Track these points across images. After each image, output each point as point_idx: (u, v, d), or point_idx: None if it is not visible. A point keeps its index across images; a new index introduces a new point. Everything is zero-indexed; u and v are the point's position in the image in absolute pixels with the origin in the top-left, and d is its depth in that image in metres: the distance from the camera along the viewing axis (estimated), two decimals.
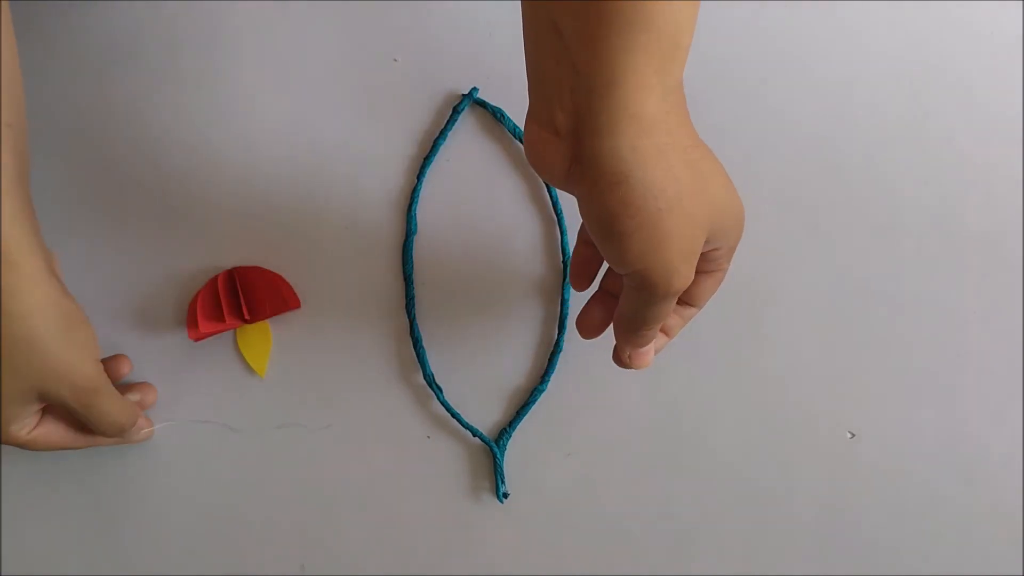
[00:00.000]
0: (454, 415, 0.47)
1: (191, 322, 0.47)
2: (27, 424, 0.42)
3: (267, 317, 0.48)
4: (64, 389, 0.40)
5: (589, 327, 0.41)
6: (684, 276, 0.34)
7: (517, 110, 0.50)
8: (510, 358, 0.48)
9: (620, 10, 0.30)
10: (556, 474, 0.48)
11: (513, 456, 0.48)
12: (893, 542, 0.48)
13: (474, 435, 0.47)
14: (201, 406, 0.48)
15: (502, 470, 0.47)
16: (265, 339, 0.48)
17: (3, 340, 0.38)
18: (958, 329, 0.48)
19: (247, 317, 0.47)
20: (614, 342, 0.39)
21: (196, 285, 0.48)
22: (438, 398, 0.47)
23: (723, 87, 0.49)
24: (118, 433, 0.45)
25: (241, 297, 0.47)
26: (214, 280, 0.48)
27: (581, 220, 0.35)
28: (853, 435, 0.48)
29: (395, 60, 0.50)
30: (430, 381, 0.47)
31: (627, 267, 0.33)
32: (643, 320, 0.36)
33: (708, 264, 0.37)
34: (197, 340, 0.47)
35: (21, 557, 0.48)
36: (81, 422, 0.43)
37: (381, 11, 0.50)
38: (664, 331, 0.41)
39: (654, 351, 0.40)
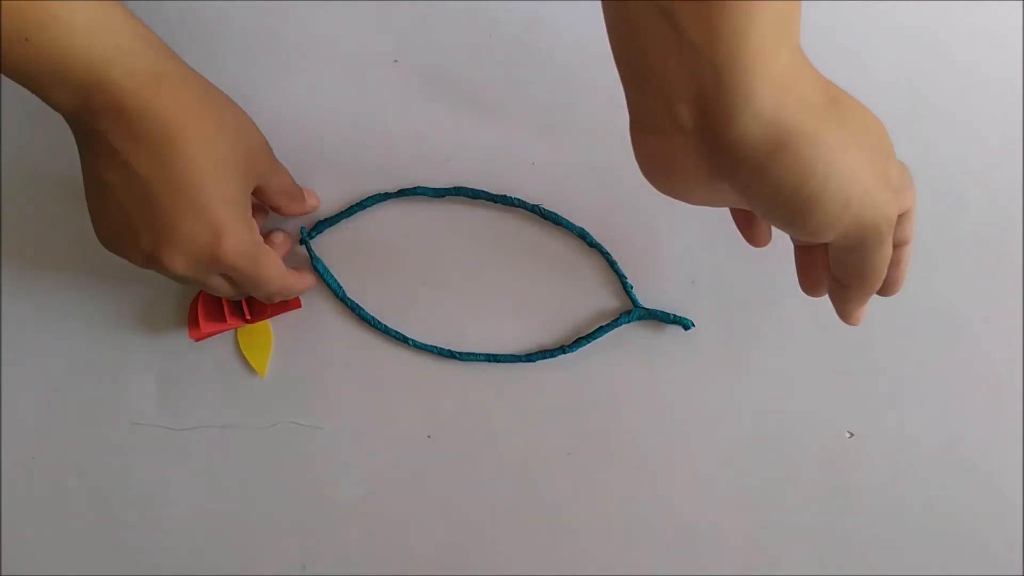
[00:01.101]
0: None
1: (192, 322, 0.47)
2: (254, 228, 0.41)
3: (268, 317, 0.48)
4: (267, 159, 0.42)
5: (816, 286, 0.39)
6: (891, 204, 0.31)
7: (517, 109, 0.50)
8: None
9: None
10: (556, 474, 0.48)
11: (513, 456, 0.48)
12: (892, 542, 0.48)
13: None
14: (202, 406, 0.48)
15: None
16: (266, 339, 0.48)
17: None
18: (958, 329, 0.48)
19: (248, 317, 0.47)
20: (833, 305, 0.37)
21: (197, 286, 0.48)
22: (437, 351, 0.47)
23: None
24: (292, 195, 0.45)
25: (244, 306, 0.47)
26: None
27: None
28: (852, 435, 0.48)
29: (395, 60, 0.50)
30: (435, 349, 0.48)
31: (834, 228, 0.31)
32: (872, 269, 0.33)
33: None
34: (198, 340, 0.47)
35: (21, 557, 0.48)
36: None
37: (381, 11, 0.50)
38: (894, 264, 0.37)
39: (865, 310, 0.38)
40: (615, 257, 0.48)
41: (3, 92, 0.49)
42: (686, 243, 0.48)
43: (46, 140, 0.49)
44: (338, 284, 0.48)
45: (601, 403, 0.48)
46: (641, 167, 0.33)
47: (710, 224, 0.49)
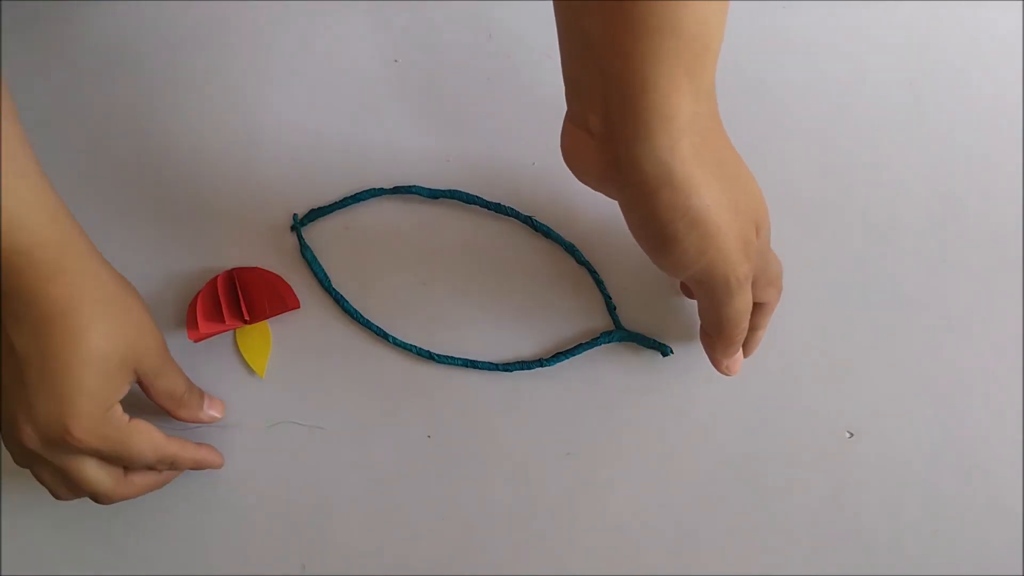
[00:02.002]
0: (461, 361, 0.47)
1: (191, 323, 0.47)
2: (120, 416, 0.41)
3: (267, 318, 0.48)
4: (155, 357, 0.41)
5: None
6: (744, 266, 0.34)
7: (516, 109, 0.50)
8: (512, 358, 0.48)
9: (647, 14, 0.29)
10: (556, 474, 0.48)
11: (512, 456, 0.48)
12: (893, 542, 0.48)
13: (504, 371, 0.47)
14: None
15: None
16: (265, 339, 0.48)
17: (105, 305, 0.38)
18: (958, 329, 0.48)
19: (247, 318, 0.47)
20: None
21: (196, 286, 0.48)
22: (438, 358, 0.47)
23: (723, 87, 0.49)
24: (179, 401, 0.44)
25: (240, 298, 0.47)
26: (214, 281, 0.48)
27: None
28: (852, 435, 0.48)
29: (395, 60, 0.50)
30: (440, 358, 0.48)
31: (688, 269, 0.33)
32: (727, 320, 0.36)
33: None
34: (197, 341, 0.47)
35: (21, 557, 0.48)
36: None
37: (381, 11, 0.50)
38: (744, 348, 0.42)
39: (739, 361, 0.42)
40: (606, 267, 0.48)
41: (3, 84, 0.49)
42: None
43: (46, 140, 0.49)
44: (325, 274, 0.48)
45: (601, 403, 0.48)
46: (562, 150, 0.36)
47: None
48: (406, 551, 0.48)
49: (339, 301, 0.48)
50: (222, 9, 0.50)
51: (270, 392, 0.48)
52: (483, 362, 0.48)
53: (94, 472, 0.41)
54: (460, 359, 0.48)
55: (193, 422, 0.46)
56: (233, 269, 0.48)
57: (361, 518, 0.48)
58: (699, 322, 0.48)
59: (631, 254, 0.48)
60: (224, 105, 0.50)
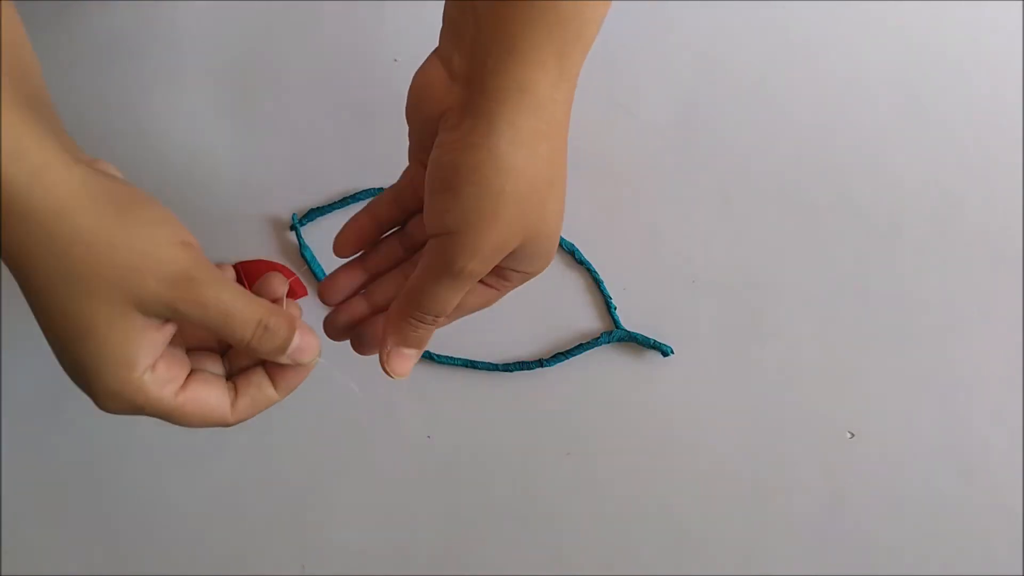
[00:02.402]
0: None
1: None
2: (168, 379, 0.32)
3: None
4: (151, 283, 0.30)
5: (334, 292, 0.38)
6: (481, 264, 0.32)
7: None
8: (512, 357, 0.48)
9: None
10: (556, 474, 0.48)
11: (512, 457, 0.48)
12: (893, 542, 0.48)
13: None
14: None
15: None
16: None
17: (50, 251, 0.29)
18: (958, 329, 0.48)
19: None
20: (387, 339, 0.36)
21: None
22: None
23: (723, 87, 0.49)
24: (260, 339, 0.32)
25: (247, 289, 0.47)
26: None
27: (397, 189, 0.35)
28: (853, 435, 0.48)
29: (395, 60, 0.50)
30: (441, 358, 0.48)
31: (440, 226, 0.32)
32: (425, 297, 0.34)
33: (494, 278, 0.35)
34: None
35: (21, 557, 0.48)
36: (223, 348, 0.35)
37: (381, 11, 0.50)
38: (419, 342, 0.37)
39: (412, 362, 0.37)
40: (606, 267, 0.48)
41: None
42: (686, 244, 0.48)
43: None
44: (324, 273, 0.48)
45: (601, 403, 0.48)
46: (413, 80, 0.35)
47: (710, 224, 0.49)
48: (406, 551, 0.48)
49: None
50: (222, 9, 0.50)
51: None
52: (483, 362, 0.48)
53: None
54: (460, 359, 0.48)
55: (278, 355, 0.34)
56: (237, 263, 0.48)
57: (361, 518, 0.48)
58: (699, 322, 0.48)
59: (631, 254, 0.48)
60: (224, 105, 0.50)
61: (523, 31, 0.30)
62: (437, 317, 0.35)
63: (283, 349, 0.33)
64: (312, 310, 0.49)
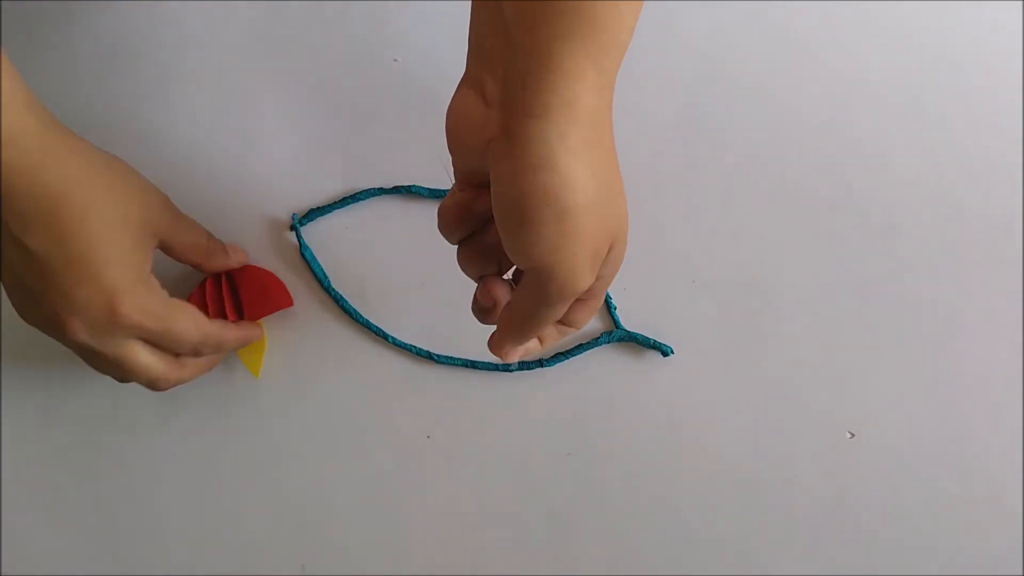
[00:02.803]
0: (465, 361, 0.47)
1: None
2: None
3: (259, 317, 0.48)
4: (162, 205, 0.41)
5: (487, 309, 0.38)
6: (587, 279, 0.33)
7: None
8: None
9: (557, 3, 0.30)
10: (556, 474, 0.48)
11: (512, 456, 0.48)
12: (893, 542, 0.48)
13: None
14: (202, 406, 0.48)
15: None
16: (259, 339, 0.48)
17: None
18: (958, 329, 0.48)
19: (231, 317, 0.47)
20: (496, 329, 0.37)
21: (189, 285, 0.48)
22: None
23: (723, 87, 0.49)
24: (205, 252, 0.45)
25: (226, 297, 0.47)
26: (204, 281, 0.47)
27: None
28: (853, 435, 0.48)
29: (395, 60, 0.50)
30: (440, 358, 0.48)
31: (533, 260, 0.32)
32: (537, 319, 0.34)
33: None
34: None
35: (21, 557, 0.48)
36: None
37: (381, 11, 0.50)
38: (540, 339, 0.39)
39: (525, 352, 0.39)
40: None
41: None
42: (686, 244, 0.48)
43: None
44: (324, 273, 0.48)
45: (601, 403, 0.48)
46: (447, 113, 0.34)
47: (710, 224, 0.49)
48: (406, 551, 0.48)
49: (338, 301, 0.48)
50: (222, 9, 0.50)
51: (270, 391, 0.48)
52: (483, 362, 0.48)
53: (145, 357, 0.41)
54: (460, 359, 0.48)
55: (222, 269, 0.46)
56: (225, 271, 0.48)
57: (361, 518, 0.48)
58: (699, 322, 0.48)
59: (631, 254, 0.48)
60: (224, 105, 0.50)
61: (560, 45, 0.30)
62: (549, 325, 0.36)
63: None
64: (302, 319, 0.49)
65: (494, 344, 0.37)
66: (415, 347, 0.48)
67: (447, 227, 0.36)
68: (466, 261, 0.37)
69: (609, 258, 0.34)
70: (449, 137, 0.34)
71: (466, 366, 0.48)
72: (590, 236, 0.32)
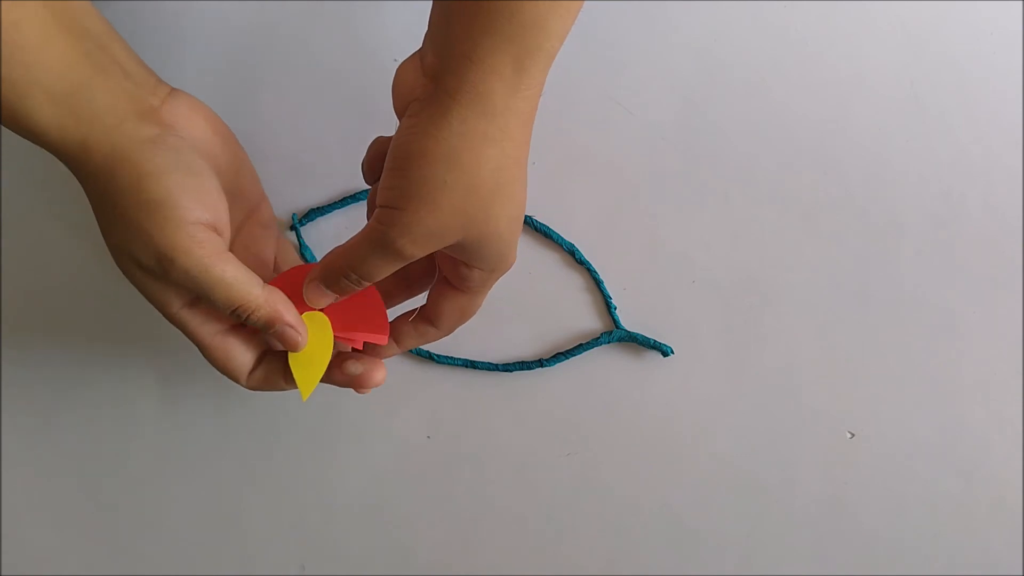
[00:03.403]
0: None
1: None
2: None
3: (344, 335, 0.39)
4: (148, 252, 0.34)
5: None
6: (413, 244, 0.34)
7: None
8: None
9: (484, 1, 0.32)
10: (556, 474, 0.48)
11: (512, 457, 0.48)
12: (893, 542, 0.48)
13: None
14: (202, 406, 0.48)
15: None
16: (323, 355, 0.39)
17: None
18: (958, 329, 0.48)
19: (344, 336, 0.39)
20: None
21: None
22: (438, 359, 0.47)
23: (723, 87, 0.49)
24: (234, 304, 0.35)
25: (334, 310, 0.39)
26: (300, 268, 0.40)
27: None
28: (853, 435, 0.48)
29: (395, 60, 0.50)
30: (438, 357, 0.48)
31: (385, 200, 0.34)
32: (356, 258, 0.36)
33: (458, 278, 0.38)
34: None
35: (21, 557, 0.48)
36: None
37: (381, 11, 0.50)
38: (398, 342, 0.41)
39: (379, 356, 0.40)
40: (606, 267, 0.48)
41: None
42: (686, 244, 0.48)
43: None
44: None
45: (601, 403, 0.48)
46: (398, 67, 0.37)
47: (710, 224, 0.49)
48: (406, 551, 0.48)
49: None
50: (222, 9, 0.50)
51: (269, 392, 0.48)
52: (483, 362, 0.48)
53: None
54: (460, 359, 0.48)
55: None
56: (278, 277, 0.40)
57: (361, 518, 0.48)
58: (699, 322, 0.48)
59: (631, 254, 0.48)
60: (223, 105, 0.50)
61: (482, 37, 0.32)
62: (361, 280, 0.37)
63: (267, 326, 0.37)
64: None
65: (307, 282, 0.38)
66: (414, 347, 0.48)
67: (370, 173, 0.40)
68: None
69: (465, 250, 0.36)
70: (392, 94, 0.37)
71: (466, 366, 0.48)
72: (438, 212, 0.33)
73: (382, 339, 0.39)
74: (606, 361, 0.48)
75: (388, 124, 0.50)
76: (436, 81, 0.34)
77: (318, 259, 0.49)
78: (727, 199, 0.49)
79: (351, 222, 0.49)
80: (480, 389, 0.48)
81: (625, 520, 0.48)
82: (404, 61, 0.36)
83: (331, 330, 0.39)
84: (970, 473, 0.48)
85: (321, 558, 0.48)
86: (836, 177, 0.49)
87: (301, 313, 0.38)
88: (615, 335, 0.48)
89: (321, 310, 0.39)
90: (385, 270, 0.36)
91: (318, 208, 0.49)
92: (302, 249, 0.48)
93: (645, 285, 0.48)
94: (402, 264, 0.36)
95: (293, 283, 0.39)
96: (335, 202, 0.49)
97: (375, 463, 0.48)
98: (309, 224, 0.49)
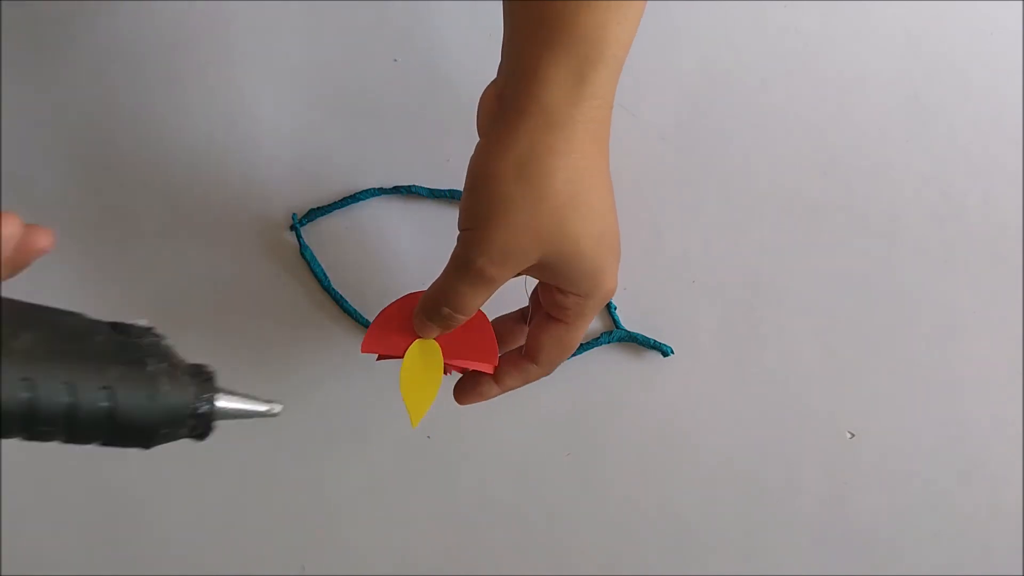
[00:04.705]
0: None
1: (376, 333, 0.40)
2: None
3: (453, 361, 0.40)
4: None
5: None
6: (491, 263, 0.34)
7: None
8: None
9: (543, 9, 0.32)
10: (556, 474, 0.48)
11: (511, 456, 0.48)
12: (893, 542, 0.48)
13: None
14: None
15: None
16: (433, 380, 0.39)
17: None
18: (958, 329, 0.48)
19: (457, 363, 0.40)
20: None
21: (195, 285, 0.48)
22: None
23: (723, 87, 0.49)
24: None
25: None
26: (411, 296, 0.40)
27: None
28: (853, 435, 0.48)
29: (395, 60, 0.50)
30: None
31: (462, 223, 0.35)
32: (446, 290, 0.36)
33: (554, 306, 0.37)
34: (369, 352, 0.41)
35: (21, 557, 0.48)
36: None
37: (381, 11, 0.50)
38: (497, 380, 0.40)
39: (482, 397, 0.40)
40: None
41: (3, 88, 0.49)
42: (686, 244, 0.48)
43: (46, 137, 0.49)
44: (324, 273, 0.48)
45: (601, 403, 0.48)
46: (478, 103, 0.37)
47: (710, 225, 0.49)
48: (406, 551, 0.48)
49: (339, 301, 0.48)
50: (222, 9, 0.50)
51: (270, 391, 0.48)
52: None
53: None
54: None
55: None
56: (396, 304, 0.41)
57: (361, 518, 0.48)
58: (699, 322, 0.48)
59: (631, 254, 0.48)
60: (224, 105, 0.50)
61: (542, 50, 0.32)
62: (453, 314, 0.37)
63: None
64: (302, 319, 0.49)
65: (415, 313, 0.38)
66: None
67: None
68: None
69: (550, 271, 0.35)
70: (476, 119, 0.37)
71: None
72: (511, 228, 0.33)
73: (489, 368, 0.40)
74: (606, 361, 0.48)
75: (388, 124, 0.50)
76: (503, 100, 0.34)
77: (318, 259, 0.49)
78: (727, 199, 0.49)
79: (351, 222, 0.49)
80: None
81: (625, 520, 0.48)
82: (486, 90, 0.36)
83: (441, 357, 0.39)
84: (970, 473, 0.48)
85: (321, 558, 0.48)
86: (836, 177, 0.49)
87: (413, 340, 0.39)
88: (615, 335, 0.48)
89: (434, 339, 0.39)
90: (472, 295, 0.36)
91: (318, 208, 0.49)
92: (302, 249, 0.48)
93: (645, 285, 0.48)
94: (489, 288, 0.35)
95: (408, 308, 0.40)
96: (335, 202, 0.49)
97: (375, 463, 0.48)
98: (309, 224, 0.49)
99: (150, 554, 0.48)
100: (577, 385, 0.48)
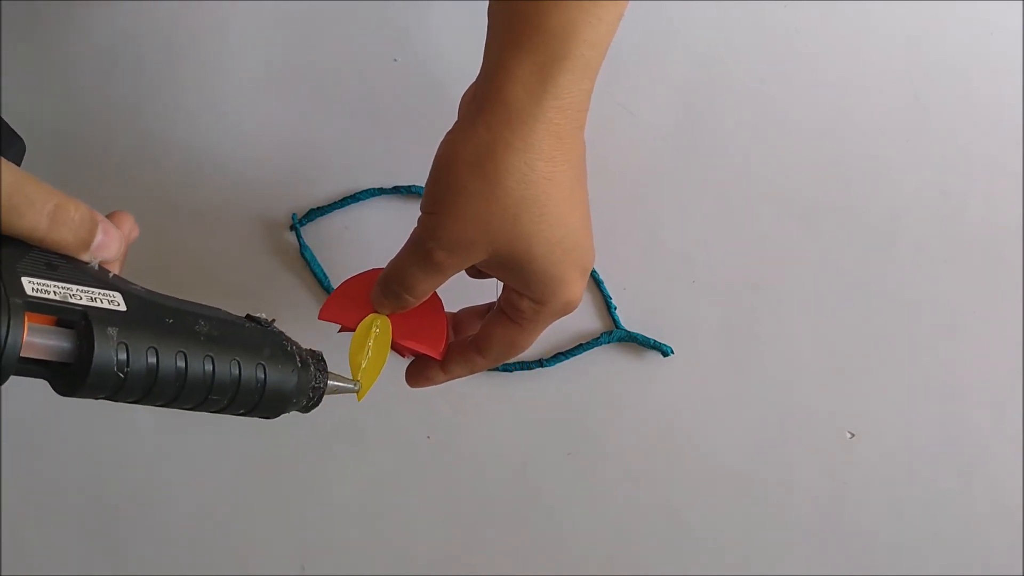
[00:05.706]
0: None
1: (335, 302, 0.41)
2: None
3: (400, 343, 0.40)
4: None
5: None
6: (442, 250, 0.34)
7: None
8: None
9: (515, 8, 0.32)
10: (556, 474, 0.48)
11: (511, 457, 0.48)
12: (893, 542, 0.48)
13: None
14: None
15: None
16: (379, 357, 0.39)
17: None
18: (958, 329, 0.48)
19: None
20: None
21: (195, 285, 0.48)
22: None
23: (723, 87, 0.49)
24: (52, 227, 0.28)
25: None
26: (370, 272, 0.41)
27: None
28: (853, 435, 0.48)
29: (395, 60, 0.50)
30: None
31: (421, 206, 0.35)
32: (399, 269, 0.36)
33: (510, 307, 0.37)
34: (326, 320, 0.41)
35: (21, 557, 0.48)
36: None
37: (381, 11, 0.50)
38: (443, 367, 0.39)
39: (429, 382, 0.40)
40: (606, 267, 0.48)
41: (3, 88, 0.49)
42: (686, 244, 0.48)
43: (46, 140, 0.49)
44: (324, 273, 0.48)
45: (601, 403, 0.48)
46: (463, 96, 0.38)
47: (710, 225, 0.49)
48: (406, 551, 0.48)
49: None
50: (222, 9, 0.50)
51: None
52: None
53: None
54: None
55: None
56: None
57: (361, 518, 0.48)
58: (699, 322, 0.48)
59: (631, 254, 0.48)
60: (224, 105, 0.50)
61: (510, 46, 0.32)
62: (403, 293, 0.37)
63: (85, 243, 0.28)
64: (302, 319, 0.49)
65: (372, 291, 0.39)
66: None
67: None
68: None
69: (504, 271, 0.35)
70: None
71: None
72: (463, 219, 0.33)
73: (435, 353, 0.40)
74: (606, 361, 0.48)
75: (388, 124, 0.50)
76: (475, 95, 0.34)
77: (318, 259, 0.49)
78: (727, 199, 0.49)
79: (351, 222, 0.49)
80: (480, 389, 0.48)
81: (625, 520, 0.48)
82: (470, 85, 0.37)
83: (390, 335, 0.39)
84: (970, 473, 0.48)
85: (321, 558, 0.48)
86: (836, 177, 0.49)
87: (368, 315, 0.39)
88: (615, 335, 0.48)
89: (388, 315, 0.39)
90: (422, 279, 0.36)
91: (318, 208, 0.49)
92: (302, 249, 0.48)
93: (645, 285, 0.48)
94: (438, 274, 0.36)
95: (369, 283, 0.40)
96: (335, 202, 0.49)
97: (375, 463, 0.48)
98: (309, 224, 0.49)
99: (150, 554, 0.48)
100: (577, 385, 0.48)
